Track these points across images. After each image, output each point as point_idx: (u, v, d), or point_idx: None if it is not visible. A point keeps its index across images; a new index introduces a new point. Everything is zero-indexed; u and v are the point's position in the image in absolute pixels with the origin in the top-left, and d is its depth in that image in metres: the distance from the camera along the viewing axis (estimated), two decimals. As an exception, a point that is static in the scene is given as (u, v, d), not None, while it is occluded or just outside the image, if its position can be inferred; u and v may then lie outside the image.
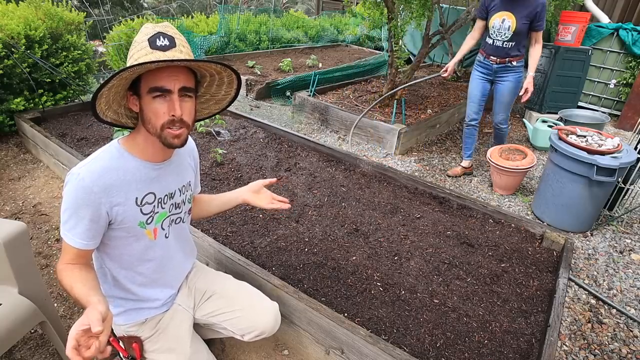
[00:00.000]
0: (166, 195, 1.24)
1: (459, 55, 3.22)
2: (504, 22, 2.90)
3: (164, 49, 1.03)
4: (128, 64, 1.06)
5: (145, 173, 1.17)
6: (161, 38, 1.03)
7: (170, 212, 1.27)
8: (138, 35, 1.06)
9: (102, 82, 1.00)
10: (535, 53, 2.95)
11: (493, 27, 2.97)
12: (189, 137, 1.24)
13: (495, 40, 3.00)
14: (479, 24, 3.13)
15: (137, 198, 1.16)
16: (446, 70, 3.24)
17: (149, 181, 1.18)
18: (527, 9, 2.81)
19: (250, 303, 1.44)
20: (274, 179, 1.45)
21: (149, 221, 1.20)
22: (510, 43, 2.94)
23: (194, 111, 1.14)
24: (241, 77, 1.26)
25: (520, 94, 2.97)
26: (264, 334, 1.42)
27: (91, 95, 1.24)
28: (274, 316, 1.43)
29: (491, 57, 3.06)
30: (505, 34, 2.92)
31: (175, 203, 1.29)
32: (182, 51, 1.06)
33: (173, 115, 1.06)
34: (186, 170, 1.34)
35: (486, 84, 3.21)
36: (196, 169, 1.44)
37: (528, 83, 2.92)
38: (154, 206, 1.21)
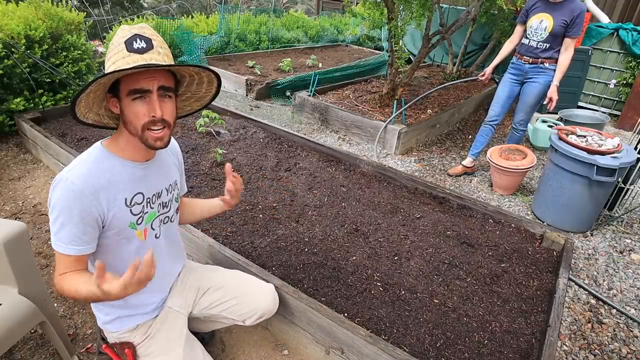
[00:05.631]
0: (154, 194, 1.24)
1: (497, 60, 3.27)
2: (541, 23, 2.92)
3: (140, 51, 1.02)
4: (106, 67, 1.05)
5: (132, 173, 1.17)
6: (138, 40, 1.02)
7: (159, 212, 1.27)
8: (115, 37, 1.05)
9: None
10: (564, 61, 2.92)
11: (531, 27, 3.00)
12: (172, 138, 1.22)
13: (530, 40, 3.02)
14: (519, 28, 3.16)
15: (126, 199, 1.15)
16: (484, 74, 3.32)
17: (136, 181, 1.18)
18: (566, 12, 2.83)
19: (247, 289, 1.48)
20: (229, 169, 1.30)
21: (139, 221, 1.20)
22: (545, 44, 2.96)
23: (175, 110, 1.14)
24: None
25: (545, 102, 2.98)
26: (265, 316, 1.48)
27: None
28: (272, 297, 1.50)
29: (524, 57, 3.09)
30: (541, 34, 2.94)
31: (163, 202, 1.28)
32: (159, 52, 1.04)
33: (153, 116, 1.06)
34: (171, 169, 1.33)
35: (515, 87, 3.22)
36: (181, 169, 1.42)
37: (552, 92, 2.93)
38: (143, 206, 1.20)
